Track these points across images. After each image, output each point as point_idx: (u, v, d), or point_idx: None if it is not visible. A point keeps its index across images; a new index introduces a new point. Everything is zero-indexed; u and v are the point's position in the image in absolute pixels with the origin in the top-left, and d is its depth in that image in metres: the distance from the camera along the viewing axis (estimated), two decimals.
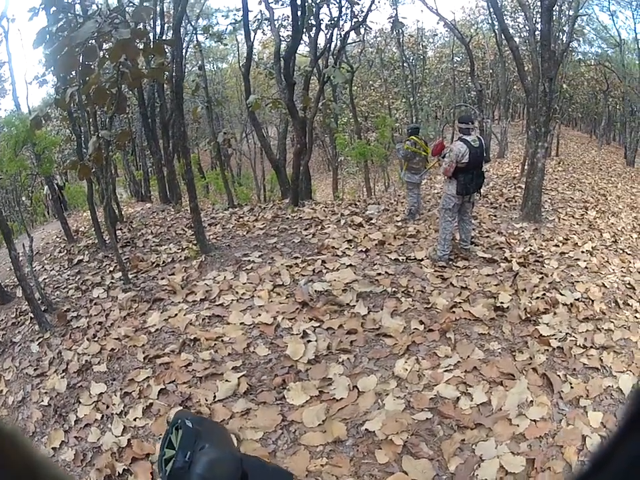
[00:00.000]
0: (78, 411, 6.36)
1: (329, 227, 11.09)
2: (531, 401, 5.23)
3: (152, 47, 8.05)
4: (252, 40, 18.05)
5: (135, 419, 5.85)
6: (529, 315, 6.97)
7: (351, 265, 8.49)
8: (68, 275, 11.28)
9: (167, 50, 9.91)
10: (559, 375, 5.73)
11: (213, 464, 1.11)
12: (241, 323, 7.12)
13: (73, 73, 8.68)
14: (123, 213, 16.77)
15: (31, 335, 8.75)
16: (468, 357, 5.93)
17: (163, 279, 9.32)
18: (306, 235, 10.58)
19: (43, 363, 7.73)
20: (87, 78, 7.88)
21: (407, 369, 5.71)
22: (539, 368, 5.80)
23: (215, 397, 5.78)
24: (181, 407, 5.68)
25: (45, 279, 11.47)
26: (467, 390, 5.36)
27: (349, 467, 4.61)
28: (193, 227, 10.66)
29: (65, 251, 13.47)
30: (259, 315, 7.24)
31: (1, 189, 22.94)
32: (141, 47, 8.06)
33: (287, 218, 12.47)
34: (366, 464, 4.62)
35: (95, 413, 6.19)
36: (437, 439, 4.77)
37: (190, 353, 6.72)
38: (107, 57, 7.77)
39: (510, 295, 7.49)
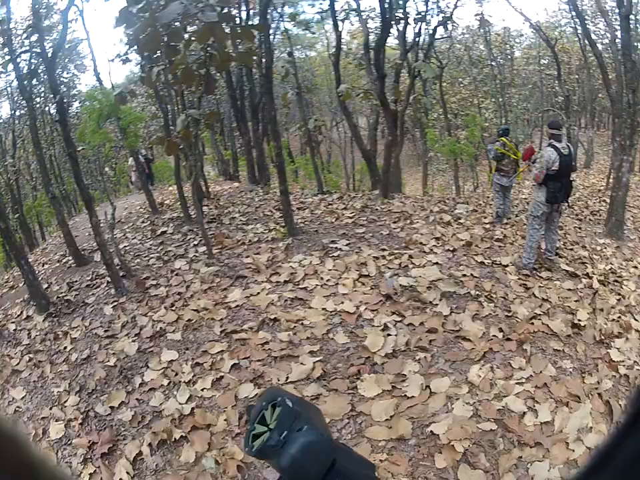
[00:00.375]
0: (145, 374, 6.53)
1: (417, 222, 10.92)
2: (591, 427, 5.09)
3: (240, 31, 8.09)
4: (340, 30, 17.91)
5: (202, 389, 5.97)
6: (603, 337, 6.76)
7: (437, 263, 8.39)
8: (150, 245, 11.56)
9: (255, 35, 9.83)
10: (620, 404, 5.56)
11: (307, 447, 1.11)
12: (323, 309, 7.15)
13: (158, 52, 8.81)
14: (210, 190, 16.99)
15: (106, 298, 9.07)
16: (540, 372, 5.78)
17: (247, 257, 9.47)
18: (394, 228, 10.46)
19: (115, 325, 8.00)
20: (173, 58, 8.00)
21: (480, 376, 5.64)
22: (604, 394, 5.63)
23: (287, 378, 5.82)
24: (252, 384, 5.83)
25: (125, 246, 11.89)
26: (534, 406, 5.27)
27: (406, 466, 4.61)
28: (282, 209, 10.74)
29: (149, 222, 13.83)
30: (342, 302, 7.25)
31: (84, 159, 23.36)
32: (228, 30, 8.06)
33: (376, 209, 12.32)
34: (423, 466, 4.62)
35: (162, 379, 6.35)
36: (496, 452, 4.73)
37: (268, 332, 6.78)
38: (193, 39, 7.96)
39: (588, 314, 7.25)
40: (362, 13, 17.74)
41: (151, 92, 14.89)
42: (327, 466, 1.12)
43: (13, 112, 23.19)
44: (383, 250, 9.06)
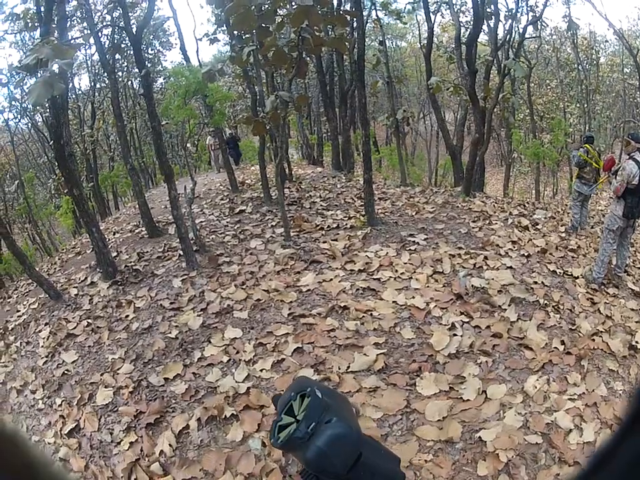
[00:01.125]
0: (205, 349, 6.52)
1: (496, 223, 10.62)
2: None
3: (335, 16, 8.03)
4: (432, 22, 17.70)
5: (261, 370, 5.94)
6: None
7: (511, 267, 8.15)
8: (227, 222, 11.46)
9: (348, 21, 9.70)
10: None
11: (335, 439, 1.09)
12: (394, 302, 7.02)
13: (249, 33, 8.78)
14: (292, 172, 16.92)
15: (176, 271, 9.02)
16: (593, 390, 5.58)
17: (324, 242, 9.37)
18: (473, 227, 10.20)
19: (182, 298, 7.94)
20: (264, 40, 7.89)
21: (536, 387, 5.47)
22: None
23: (348, 367, 5.75)
24: (313, 370, 5.72)
25: (202, 221, 11.84)
26: (580, 424, 5.10)
27: (449, 469, 4.54)
28: (364, 197, 10.54)
29: (228, 200, 13.82)
30: (413, 297, 7.11)
31: (166, 134, 23.62)
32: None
33: (457, 206, 12.05)
34: (465, 472, 4.54)
35: (222, 355, 6.34)
36: (536, 466, 4.59)
37: (336, 319, 6.70)
38: (286, 21, 7.85)
39: None
40: (454, 6, 17.68)
41: (239, 72, 14.68)
42: (354, 459, 1.11)
43: (92, 84, 23.69)
44: (460, 248, 8.90)
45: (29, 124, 23.55)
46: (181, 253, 9.34)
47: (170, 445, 5.18)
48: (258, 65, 10.01)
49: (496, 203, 13.33)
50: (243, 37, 9.47)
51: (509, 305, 6.95)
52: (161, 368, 6.36)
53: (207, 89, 10.46)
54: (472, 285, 7.40)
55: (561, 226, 11.41)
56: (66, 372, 6.98)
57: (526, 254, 8.79)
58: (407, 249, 8.84)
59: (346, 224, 10.46)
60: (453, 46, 16.51)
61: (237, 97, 22.51)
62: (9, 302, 10.81)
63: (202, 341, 6.75)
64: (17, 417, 6.74)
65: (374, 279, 7.71)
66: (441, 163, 26.33)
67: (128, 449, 5.36)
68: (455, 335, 6.24)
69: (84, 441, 5.74)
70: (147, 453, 5.24)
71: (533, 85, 27.42)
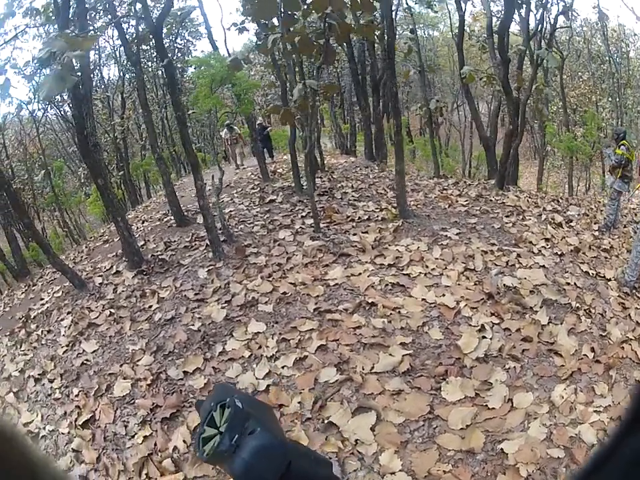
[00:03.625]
0: (227, 343, 6.43)
1: (529, 219, 10.29)
2: None
3: (360, 1, 7.71)
4: (463, 11, 17.47)
5: (283, 367, 5.84)
6: None
7: (543, 267, 7.83)
8: (257, 212, 11.27)
9: (376, 7, 9.61)
10: None
11: (261, 451, 1.03)
12: (423, 299, 6.79)
13: (275, 21, 8.62)
14: (324, 162, 16.63)
15: (202, 261, 8.91)
16: (619, 403, 5.32)
17: (355, 234, 9.14)
18: (506, 223, 9.90)
19: (207, 289, 7.83)
20: (290, 28, 7.86)
21: (563, 397, 5.25)
22: None
23: (372, 367, 5.60)
24: (335, 369, 5.62)
25: (231, 211, 11.72)
26: (604, 439, 4.85)
27: None
28: (396, 189, 10.28)
29: (258, 189, 13.59)
30: (443, 295, 6.87)
31: (197, 122, 23.51)
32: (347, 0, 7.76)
33: (490, 200, 11.77)
34: None
35: (244, 350, 6.25)
36: None
37: (363, 315, 6.50)
38: (311, 8, 7.65)
39: None
40: None
41: (270, 61, 14.50)
42: (283, 469, 1.04)
43: (122, 75, 23.91)
44: (493, 244, 8.63)
45: (57, 114, 23.60)
46: (208, 242, 9.19)
47: (184, 441, 5.12)
48: (285, 53, 9.65)
49: (529, 197, 13.03)
50: (269, 25, 9.37)
51: (541, 307, 6.69)
52: (181, 361, 6.28)
53: (234, 78, 10.41)
54: (504, 284, 7.13)
55: (594, 224, 11.12)
56: (85, 362, 6.93)
57: (559, 252, 8.54)
58: (439, 243, 8.58)
59: (377, 216, 10.16)
60: (485, 35, 16.04)
61: (269, 86, 22.22)
62: (34, 290, 10.78)
63: (224, 334, 6.63)
64: (33, 406, 6.67)
65: (404, 275, 7.47)
66: (475, 155, 25.89)
67: (142, 443, 5.32)
68: (484, 337, 6.03)
69: (98, 433, 5.66)
70: (161, 447, 5.19)
71: (565, 77, 26.96)
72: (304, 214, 10.69)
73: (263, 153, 16.46)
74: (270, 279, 7.79)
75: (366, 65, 19.12)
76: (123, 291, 8.52)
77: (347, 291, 7.15)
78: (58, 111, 22.68)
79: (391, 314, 6.47)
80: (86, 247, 12.60)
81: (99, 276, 9.35)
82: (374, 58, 18.57)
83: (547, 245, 8.82)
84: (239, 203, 12.23)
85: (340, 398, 5.22)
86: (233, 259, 8.73)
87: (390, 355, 5.71)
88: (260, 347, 6.22)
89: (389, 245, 8.55)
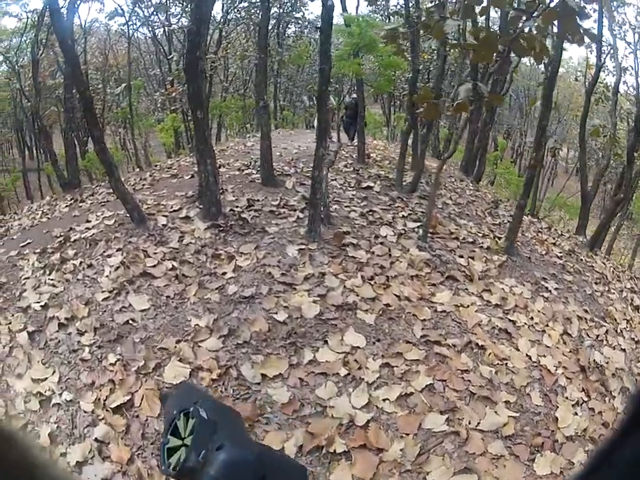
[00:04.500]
0: (319, 351, 5.40)
1: (614, 293, 9.63)
2: None
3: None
4: (603, 61, 16.63)
5: (384, 400, 4.97)
6: None
7: (624, 350, 7.33)
8: (352, 195, 10.03)
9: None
10: None
11: (230, 466, 1.03)
12: (527, 355, 6.16)
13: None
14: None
15: (291, 236, 7.64)
16: None
17: (461, 257, 8.20)
18: (595, 291, 9.19)
19: (297, 274, 6.63)
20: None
21: None
22: None
23: (478, 424, 4.94)
24: (443, 417, 4.90)
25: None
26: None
27: None
28: (511, 224, 9.42)
29: (353, 170, 12.10)
30: (544, 356, 6.23)
31: (289, 81, 23.30)
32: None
33: (581, 259, 11.03)
34: None
35: (340, 366, 5.24)
36: None
37: (471, 358, 5.78)
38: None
39: None
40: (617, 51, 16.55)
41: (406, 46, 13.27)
42: None
43: (226, 13, 23.05)
44: (585, 311, 7.96)
45: (147, 35, 23.31)
46: (300, 215, 8.12)
47: None
48: (459, 44, 8.97)
49: (614, 268, 12.55)
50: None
51: (619, 393, 6.19)
52: (259, 358, 5.18)
53: (377, 49, 9.78)
54: (594, 360, 6.58)
55: None
56: (131, 321, 5.66)
57: (635, 339, 8.02)
58: (540, 294, 7.78)
59: (481, 242, 9.14)
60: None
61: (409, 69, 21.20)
62: (80, 207, 9.45)
63: (315, 337, 5.55)
64: (50, 358, 5.42)
65: (509, 320, 6.69)
66: (570, 201, 24.34)
67: None
68: (575, 413, 5.51)
69: (135, 425, 4.55)
70: None
71: None
72: (405, 214, 9.45)
73: (348, 130, 15.55)
74: (372, 282, 6.64)
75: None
76: (190, 243, 7.12)
77: (455, 323, 6.30)
78: (150, 30, 21.99)
79: (498, 364, 5.83)
80: (150, 176, 11.24)
81: (163, 215, 7.98)
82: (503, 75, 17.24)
83: (627, 327, 8.28)
84: (332, 179, 10.77)
85: (442, 452, 4.58)
86: (328, 244, 7.49)
87: (496, 412, 5.14)
88: (360, 367, 5.25)
89: (494, 281, 7.67)
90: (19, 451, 0.51)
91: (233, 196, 8.87)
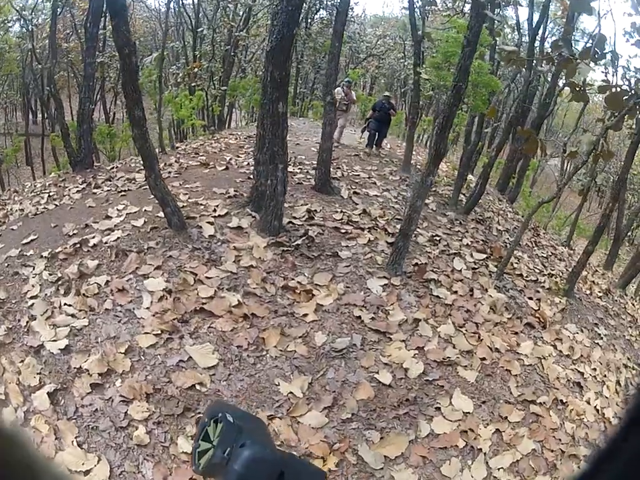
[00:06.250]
0: (434, 420, 4.89)
1: None
2: None
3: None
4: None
5: (499, 469, 4.77)
6: None
7: None
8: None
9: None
10: None
11: (251, 461, 1.06)
12: (595, 408, 6.15)
13: None
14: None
15: (369, 265, 6.80)
16: None
17: (530, 298, 7.82)
18: (632, 335, 9.17)
19: (389, 319, 5.85)
20: None
21: None
22: None
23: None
24: (546, 477, 4.93)
25: (376, 195, 9.47)
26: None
27: None
28: (576, 267, 9.11)
29: (399, 179, 11.23)
30: (606, 407, 6.25)
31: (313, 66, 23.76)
32: None
33: (616, 300, 10.82)
34: None
35: (458, 438, 4.84)
36: None
37: (557, 415, 5.66)
38: None
39: None
40: None
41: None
42: (275, 478, 1.09)
43: None
44: (629, 359, 8.01)
45: (175, 6, 21.32)
46: (370, 237, 7.29)
47: None
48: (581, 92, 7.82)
49: None
50: None
51: None
52: (374, 435, 4.50)
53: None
54: None
55: None
56: (198, 385, 4.51)
57: None
58: (595, 342, 7.72)
59: (542, 281, 8.78)
60: None
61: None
62: (96, 195, 8.10)
63: (426, 403, 5.03)
64: (88, 437, 4.11)
65: (578, 372, 6.61)
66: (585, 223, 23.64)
67: None
68: None
69: None
70: None
71: None
72: (467, 241, 8.84)
73: (373, 136, 13.80)
74: (463, 329, 6.17)
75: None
76: (252, 266, 6.00)
77: (539, 377, 6.12)
78: (180, 2, 21.19)
79: (576, 419, 5.80)
80: (176, 161, 10.00)
81: (208, 222, 6.68)
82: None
83: None
84: (384, 189, 9.94)
85: None
86: (410, 279, 6.73)
87: (579, 467, 5.25)
88: (476, 438, 4.89)
89: (561, 327, 7.46)
90: (21, 452, 0.49)
91: (287, 202, 7.55)
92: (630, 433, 0.50)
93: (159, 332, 4.84)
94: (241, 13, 21.91)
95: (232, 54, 20.48)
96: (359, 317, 5.61)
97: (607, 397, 6.41)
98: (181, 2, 20.89)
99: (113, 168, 10.46)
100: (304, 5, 22.69)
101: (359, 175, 10.08)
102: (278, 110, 6.56)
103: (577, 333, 7.51)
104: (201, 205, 7.25)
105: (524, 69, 10.26)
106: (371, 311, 5.80)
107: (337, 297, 5.85)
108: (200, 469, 1.11)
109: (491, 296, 7.15)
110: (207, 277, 5.62)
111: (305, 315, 5.41)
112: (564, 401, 5.83)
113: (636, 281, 17.71)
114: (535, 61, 9.10)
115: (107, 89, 21.77)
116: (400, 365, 5.20)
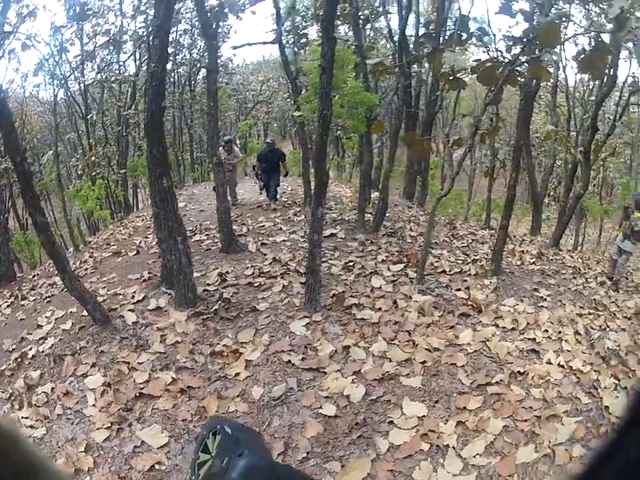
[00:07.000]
0: (391, 434, 5.14)
1: (591, 281, 10.36)
2: None
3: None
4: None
5: (474, 456, 4.97)
6: None
7: (623, 330, 7.72)
8: (323, 247, 9.22)
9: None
10: None
11: (249, 469, 1.08)
12: (560, 365, 6.45)
13: None
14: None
15: (287, 309, 7.18)
16: None
17: (458, 290, 8.28)
18: (577, 285, 9.73)
19: (319, 354, 6.23)
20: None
21: None
22: None
23: (556, 439, 5.21)
24: (529, 447, 5.17)
25: (284, 240, 10.09)
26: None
27: None
28: (496, 245, 9.60)
29: (304, 217, 11.63)
30: (571, 360, 6.58)
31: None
32: None
33: (551, 259, 11.74)
34: None
35: (419, 442, 5.07)
36: None
37: (519, 387, 5.98)
38: None
39: None
40: None
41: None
42: None
43: (138, 63, 22.22)
44: (581, 307, 8.47)
45: (65, 96, 21.69)
46: (284, 283, 7.73)
47: None
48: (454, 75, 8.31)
49: (580, 258, 13.55)
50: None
51: (638, 364, 6.71)
52: (334, 465, 4.71)
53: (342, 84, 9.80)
54: (607, 347, 7.04)
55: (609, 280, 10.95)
56: (157, 465, 4.67)
57: (627, 316, 8.44)
58: (539, 305, 8.19)
59: (467, 269, 9.31)
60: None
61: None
62: (23, 306, 8.31)
63: (378, 421, 5.28)
64: None
65: (529, 339, 6.97)
66: (478, 201, 24.22)
67: None
68: (617, 397, 5.95)
69: None
70: None
71: None
72: (382, 257, 9.33)
73: (268, 186, 13.80)
74: (395, 342, 6.53)
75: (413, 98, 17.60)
76: (177, 342, 6.30)
77: (488, 359, 6.46)
78: (66, 92, 20.92)
79: (541, 383, 6.10)
80: (90, 257, 10.24)
81: (129, 310, 6.96)
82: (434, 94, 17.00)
83: (617, 309, 8.72)
84: (290, 232, 10.46)
85: (541, 476, 4.79)
86: (332, 311, 7.07)
87: (562, 424, 5.45)
88: (439, 436, 5.12)
89: (497, 305, 7.93)
90: (21, 451, 0.51)
91: (198, 271, 8.03)
92: (629, 433, 0.52)
93: (109, 424, 5.04)
94: (126, 90, 21.67)
95: (124, 134, 20.30)
96: (289, 361, 5.87)
97: (569, 351, 6.74)
98: (68, 92, 20.64)
99: (34, 276, 10.56)
100: (185, 68, 22.83)
101: (264, 226, 10.58)
102: (163, 185, 6.71)
103: (517, 304, 7.93)
104: (120, 294, 7.53)
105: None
106: (300, 352, 6.07)
107: (263, 349, 6.13)
108: (199, 479, 1.13)
109: (416, 301, 7.44)
110: (139, 363, 5.84)
111: (237, 374, 5.64)
112: (522, 371, 6.13)
113: (569, 235, 18.49)
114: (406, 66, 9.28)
115: (16, 195, 21.23)
116: (340, 393, 5.46)
